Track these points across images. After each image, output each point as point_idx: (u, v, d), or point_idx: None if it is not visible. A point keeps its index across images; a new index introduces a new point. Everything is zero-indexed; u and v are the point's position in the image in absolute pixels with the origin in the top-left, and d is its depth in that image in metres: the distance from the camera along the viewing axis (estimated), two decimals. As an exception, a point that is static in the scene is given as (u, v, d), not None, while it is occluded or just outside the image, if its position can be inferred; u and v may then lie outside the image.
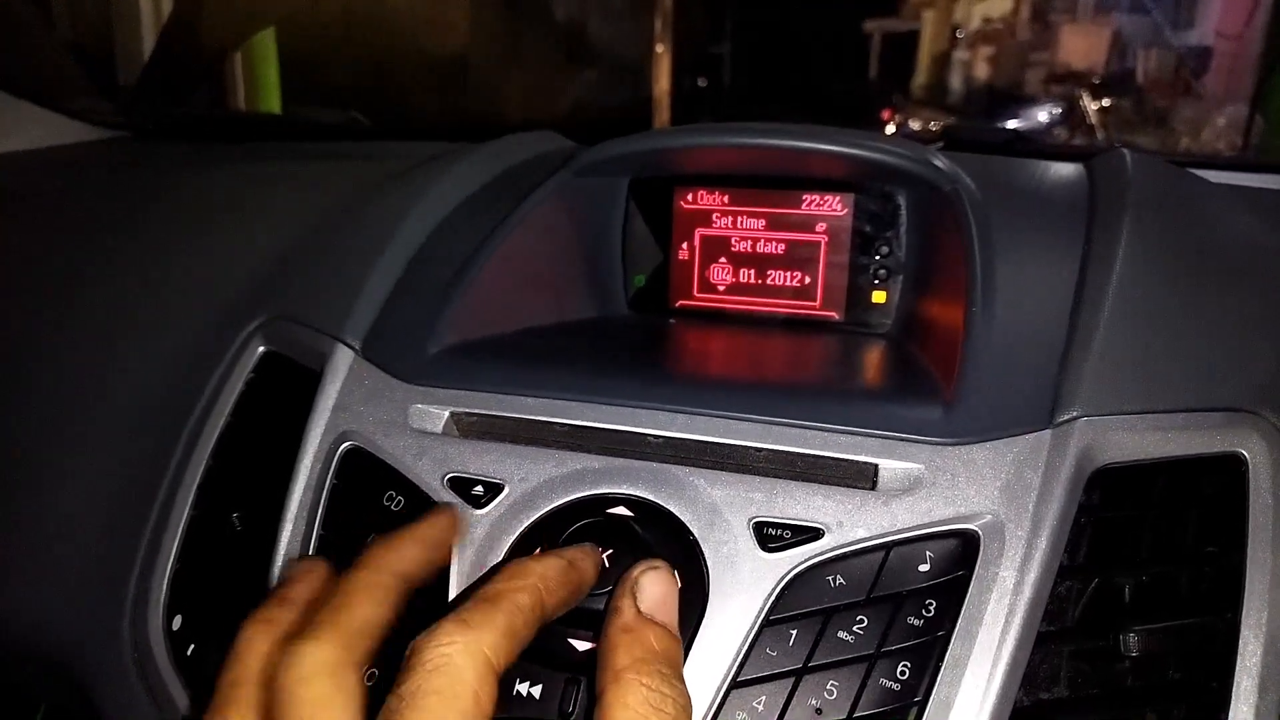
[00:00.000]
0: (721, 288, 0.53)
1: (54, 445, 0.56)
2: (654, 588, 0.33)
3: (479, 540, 0.38)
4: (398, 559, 0.34)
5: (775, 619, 0.35)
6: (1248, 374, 0.38)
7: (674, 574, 0.34)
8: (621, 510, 0.37)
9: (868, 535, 0.35)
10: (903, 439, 0.37)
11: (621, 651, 0.30)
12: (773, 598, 0.35)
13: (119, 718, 0.46)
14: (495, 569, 0.33)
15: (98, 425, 0.55)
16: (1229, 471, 0.36)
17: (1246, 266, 0.44)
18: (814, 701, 0.33)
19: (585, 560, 0.34)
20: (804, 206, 0.51)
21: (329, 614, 0.30)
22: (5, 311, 0.64)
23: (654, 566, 0.33)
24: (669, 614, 0.32)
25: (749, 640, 0.34)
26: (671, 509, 0.37)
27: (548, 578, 0.32)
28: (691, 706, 0.30)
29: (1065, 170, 0.53)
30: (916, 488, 0.36)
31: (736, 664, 0.34)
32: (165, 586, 0.45)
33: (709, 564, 0.36)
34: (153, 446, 0.50)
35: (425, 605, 0.34)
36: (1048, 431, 0.36)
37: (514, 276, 0.49)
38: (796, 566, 0.35)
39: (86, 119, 0.88)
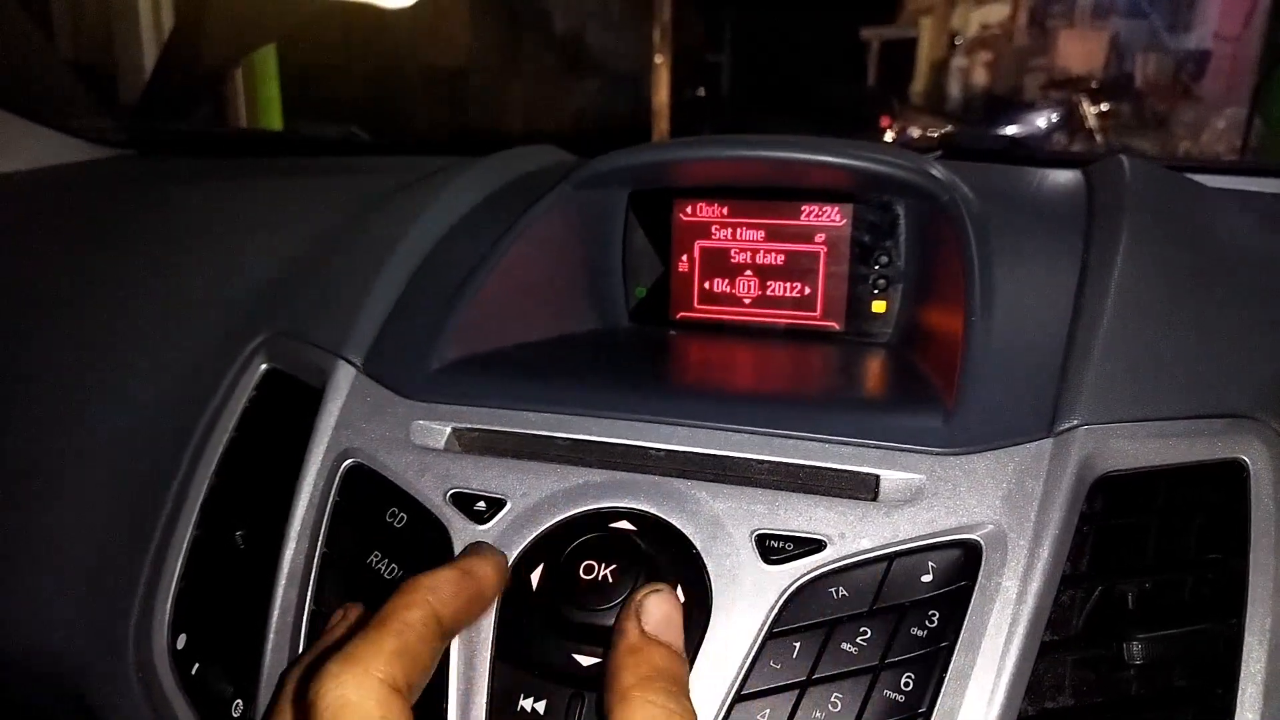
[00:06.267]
0: (722, 299, 0.53)
1: (57, 463, 0.56)
2: (657, 609, 0.33)
3: (482, 555, 0.38)
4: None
5: (778, 631, 0.35)
6: (1248, 380, 0.38)
7: (677, 595, 0.34)
8: (624, 524, 0.37)
9: (870, 546, 0.35)
10: (904, 449, 0.37)
11: (628, 672, 0.30)
12: (775, 610, 0.35)
13: (124, 737, 0.46)
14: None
15: (101, 443, 0.55)
16: (1230, 478, 0.36)
17: (1245, 271, 0.44)
18: (818, 714, 0.33)
19: (483, 566, 0.35)
20: (803, 217, 0.51)
21: (360, 642, 0.29)
22: (9, 329, 0.64)
23: (657, 589, 0.34)
24: (674, 634, 0.33)
25: (752, 653, 0.34)
26: (674, 522, 0.37)
27: (437, 589, 0.32)
28: None
29: (1063, 178, 0.53)
30: (918, 498, 0.36)
31: (740, 677, 0.34)
32: (169, 605, 0.45)
33: (711, 577, 0.36)
34: (156, 464, 0.50)
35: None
36: (1049, 440, 0.36)
37: (515, 290, 0.49)
38: (799, 579, 0.35)
39: (89, 137, 0.89)
